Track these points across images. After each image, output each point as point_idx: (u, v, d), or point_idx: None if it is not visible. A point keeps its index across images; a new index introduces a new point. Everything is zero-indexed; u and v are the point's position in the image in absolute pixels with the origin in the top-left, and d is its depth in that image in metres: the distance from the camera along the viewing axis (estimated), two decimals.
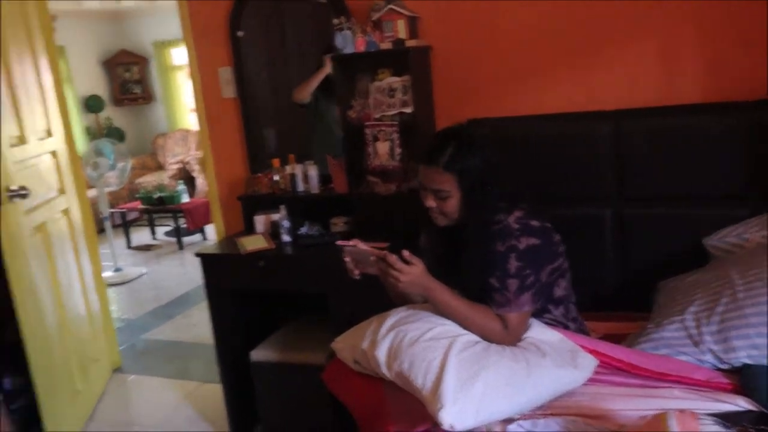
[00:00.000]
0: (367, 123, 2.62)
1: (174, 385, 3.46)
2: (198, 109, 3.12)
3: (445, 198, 1.83)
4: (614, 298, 2.25)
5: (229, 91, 3.02)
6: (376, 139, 2.62)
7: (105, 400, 3.36)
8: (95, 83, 8.12)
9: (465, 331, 1.76)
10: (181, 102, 8.60)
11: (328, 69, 2.85)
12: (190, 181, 7.27)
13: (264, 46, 3.04)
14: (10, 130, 2.74)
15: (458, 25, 2.60)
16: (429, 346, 1.71)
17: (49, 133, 3.16)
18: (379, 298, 2.08)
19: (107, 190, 5.97)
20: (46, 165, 3.09)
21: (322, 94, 2.96)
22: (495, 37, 2.57)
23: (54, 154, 3.19)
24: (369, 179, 2.68)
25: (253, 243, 2.73)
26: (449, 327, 1.77)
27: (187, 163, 7.59)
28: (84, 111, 7.90)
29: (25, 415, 2.99)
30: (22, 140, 2.84)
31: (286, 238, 2.74)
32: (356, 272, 1.86)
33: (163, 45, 8.27)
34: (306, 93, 2.95)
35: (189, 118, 8.55)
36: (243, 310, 2.83)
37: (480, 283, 1.81)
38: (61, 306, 3.01)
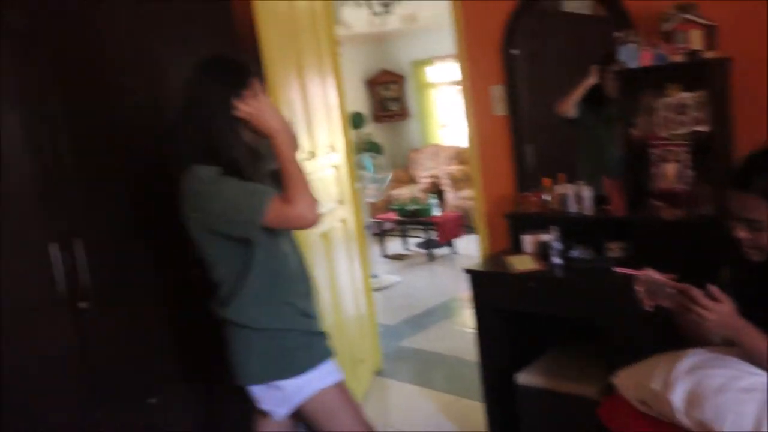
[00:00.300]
0: (654, 142, 2.43)
1: (431, 395, 3.55)
2: (468, 126, 3.17)
3: (761, 229, 1.62)
4: None
5: (499, 108, 3.03)
6: (663, 159, 2.42)
7: (368, 401, 3.56)
8: (358, 101, 8.77)
9: None
10: (434, 118, 8.94)
11: (592, 80, 2.76)
12: (439, 195, 7.50)
13: (536, 62, 3.00)
14: (304, 145, 3.03)
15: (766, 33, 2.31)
16: (741, 398, 1.53)
17: (332, 148, 3.44)
18: (661, 333, 1.91)
19: (367, 200, 6.38)
20: (329, 177, 3.37)
21: (590, 108, 2.84)
22: None
23: (336, 167, 3.47)
24: (652, 203, 2.49)
25: (522, 263, 2.69)
26: (764, 378, 1.56)
27: (438, 177, 7.84)
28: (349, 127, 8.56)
29: None
30: (312, 155, 3.12)
31: (556, 260, 2.66)
32: (650, 303, 1.73)
33: (420, 64, 8.68)
34: (569, 105, 2.86)
35: (440, 134, 8.85)
36: (509, 329, 2.80)
37: None
38: (338, 307, 3.26)
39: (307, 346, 1.91)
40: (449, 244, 6.74)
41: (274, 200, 1.74)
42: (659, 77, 2.44)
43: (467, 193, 7.45)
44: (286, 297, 1.89)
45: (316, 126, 3.21)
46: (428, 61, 8.57)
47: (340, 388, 1.97)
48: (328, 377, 1.94)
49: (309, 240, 2.96)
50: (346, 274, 3.49)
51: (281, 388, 1.89)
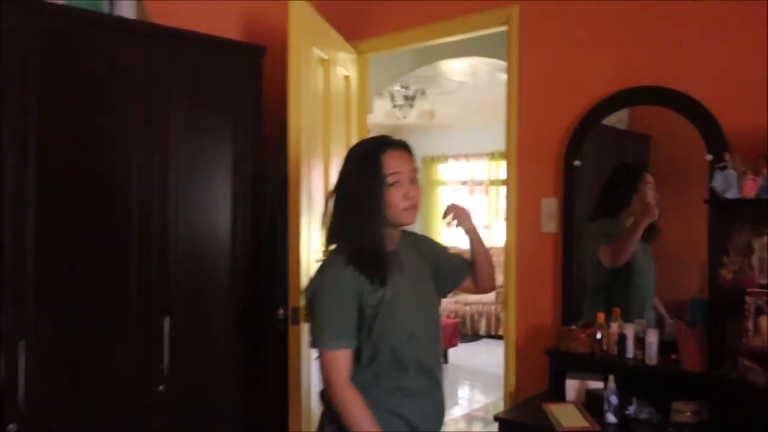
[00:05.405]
0: (750, 289, 1.93)
1: None
2: (508, 240, 2.66)
3: None
4: None
5: (550, 225, 2.54)
6: (760, 311, 1.91)
7: None
8: None
9: None
10: (438, 216, 8.52)
11: (651, 217, 2.35)
12: None
13: (593, 177, 2.53)
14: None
15: None
16: None
17: None
18: None
19: None
20: None
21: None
22: None
23: None
24: (741, 362, 1.95)
25: (569, 417, 2.12)
26: None
27: None
28: None
29: None
30: None
31: (611, 418, 2.09)
32: None
33: (432, 161, 8.34)
34: (626, 255, 2.41)
35: (442, 234, 8.41)
36: None
37: None
38: None
39: None
40: (443, 353, 6.12)
41: (327, 353, 1.57)
42: (758, 212, 1.97)
43: (463, 297, 6.93)
44: None
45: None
46: (441, 158, 8.24)
47: None
48: None
49: None
50: None
51: None
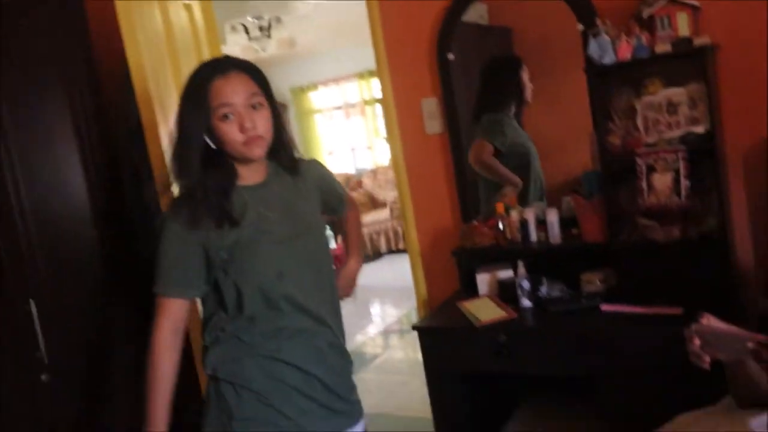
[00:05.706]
0: (639, 150, 1.92)
1: None
2: (393, 149, 2.53)
3: None
4: None
5: (434, 126, 2.42)
6: (652, 170, 1.91)
7: None
8: None
9: None
10: (318, 145, 8.30)
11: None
12: (332, 225, 6.82)
13: (471, 78, 2.42)
14: None
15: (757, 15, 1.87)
16: None
17: None
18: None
19: None
20: None
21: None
22: None
23: None
24: (639, 222, 1.97)
25: (486, 311, 2.08)
26: None
27: None
28: None
29: None
30: None
31: (525, 302, 2.08)
32: (706, 359, 1.25)
33: (302, 90, 8.02)
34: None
35: (326, 161, 8.23)
36: (471, 391, 2.18)
37: None
38: None
39: None
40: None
41: (160, 298, 1.43)
42: (635, 74, 1.94)
43: (364, 220, 6.89)
44: None
45: None
46: (311, 86, 7.94)
47: None
48: None
49: None
50: None
51: None
